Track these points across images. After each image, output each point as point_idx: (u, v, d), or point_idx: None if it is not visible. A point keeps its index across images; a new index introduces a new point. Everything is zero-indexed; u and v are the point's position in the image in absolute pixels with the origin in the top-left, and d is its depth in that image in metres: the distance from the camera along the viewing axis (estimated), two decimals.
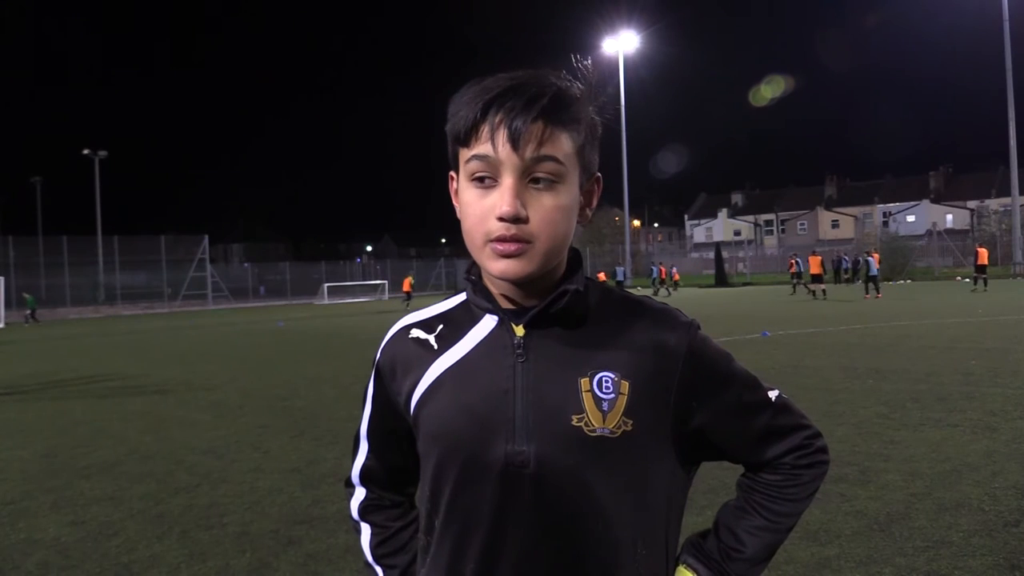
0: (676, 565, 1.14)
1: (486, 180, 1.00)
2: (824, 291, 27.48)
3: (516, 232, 0.99)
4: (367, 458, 1.24)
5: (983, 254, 28.89)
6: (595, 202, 1.12)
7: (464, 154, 1.03)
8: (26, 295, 34.92)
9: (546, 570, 1.03)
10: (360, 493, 1.26)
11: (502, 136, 0.98)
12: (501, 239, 1.00)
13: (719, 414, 1.10)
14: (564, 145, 1.01)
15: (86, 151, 49.06)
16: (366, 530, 1.25)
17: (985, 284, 28.12)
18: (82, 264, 44.29)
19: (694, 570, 1.13)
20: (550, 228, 1.01)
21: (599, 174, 1.12)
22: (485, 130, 0.99)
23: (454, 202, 1.09)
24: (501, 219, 0.99)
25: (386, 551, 1.23)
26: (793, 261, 34.56)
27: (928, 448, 5.43)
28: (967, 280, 37.14)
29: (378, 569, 1.24)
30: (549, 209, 1.00)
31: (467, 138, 1.02)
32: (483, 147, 1.00)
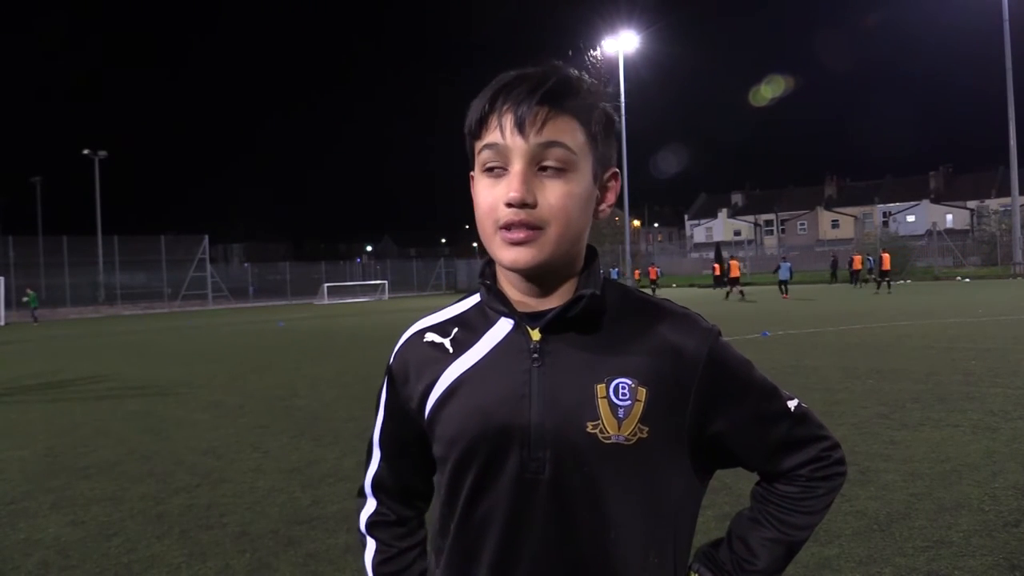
0: (687, 574, 1.13)
1: (496, 169, 1.01)
2: (742, 292, 29.48)
3: (525, 217, 0.99)
4: (379, 467, 1.22)
5: (886, 259, 31.33)
6: (613, 197, 1.10)
7: (477, 146, 1.05)
8: (29, 291, 34.92)
9: (560, 575, 1.03)
10: (370, 505, 1.24)
11: (509, 123, 1.00)
12: (510, 225, 1.00)
13: (737, 423, 1.08)
14: (573, 132, 1.01)
15: (86, 151, 49.05)
16: (371, 545, 1.23)
17: (889, 287, 30.24)
18: (82, 264, 44.27)
19: None
20: (561, 215, 1.00)
21: (616, 169, 1.11)
22: (494, 119, 1.02)
23: (474, 205, 1.09)
24: (509, 205, 0.99)
25: (388, 570, 1.21)
26: (716, 265, 40.28)
27: (928, 448, 5.43)
28: (967, 280, 37.18)
29: None
30: (559, 195, 1.00)
31: (478, 130, 1.03)
32: (492, 135, 1.01)
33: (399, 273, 60.16)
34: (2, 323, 32.59)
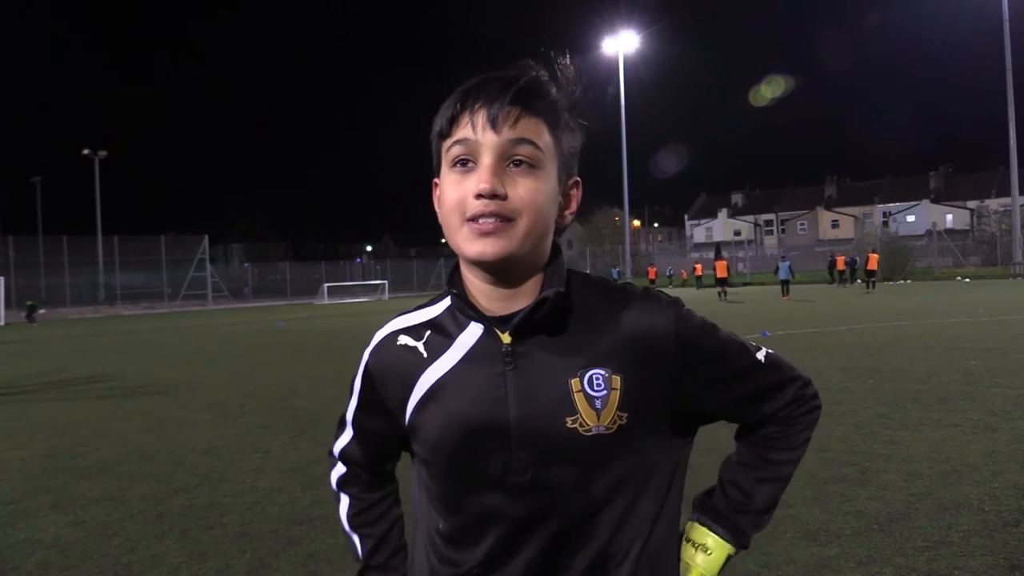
0: (689, 525, 1.18)
1: (467, 164, 1.02)
2: (726, 292, 29.65)
3: (496, 208, 1.00)
4: (349, 442, 1.27)
5: (873, 259, 31.98)
6: (575, 206, 1.13)
7: (446, 145, 1.05)
8: (30, 302, 34.98)
9: (549, 572, 1.04)
10: (340, 468, 1.31)
11: (480, 119, 1.01)
12: (479, 216, 1.00)
13: (714, 385, 1.11)
14: (541, 132, 1.04)
15: (86, 151, 49.10)
16: (344, 500, 1.30)
17: (873, 286, 30.98)
18: (82, 264, 44.34)
19: (708, 527, 1.17)
20: (531, 207, 1.01)
21: (579, 178, 1.13)
22: (465, 117, 1.03)
23: (437, 209, 1.10)
24: (479, 196, 1.00)
25: (362, 521, 1.28)
26: (699, 266, 43.87)
27: (928, 448, 5.43)
28: (967, 280, 37.20)
29: (355, 538, 1.29)
30: (529, 189, 1.02)
31: (449, 128, 1.05)
32: (463, 132, 1.03)
33: (399, 273, 60.22)
34: (2, 323, 32.59)
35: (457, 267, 1.11)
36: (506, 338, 1.05)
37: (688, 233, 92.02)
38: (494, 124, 1.01)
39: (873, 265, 31.60)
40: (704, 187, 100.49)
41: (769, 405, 1.15)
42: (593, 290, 1.11)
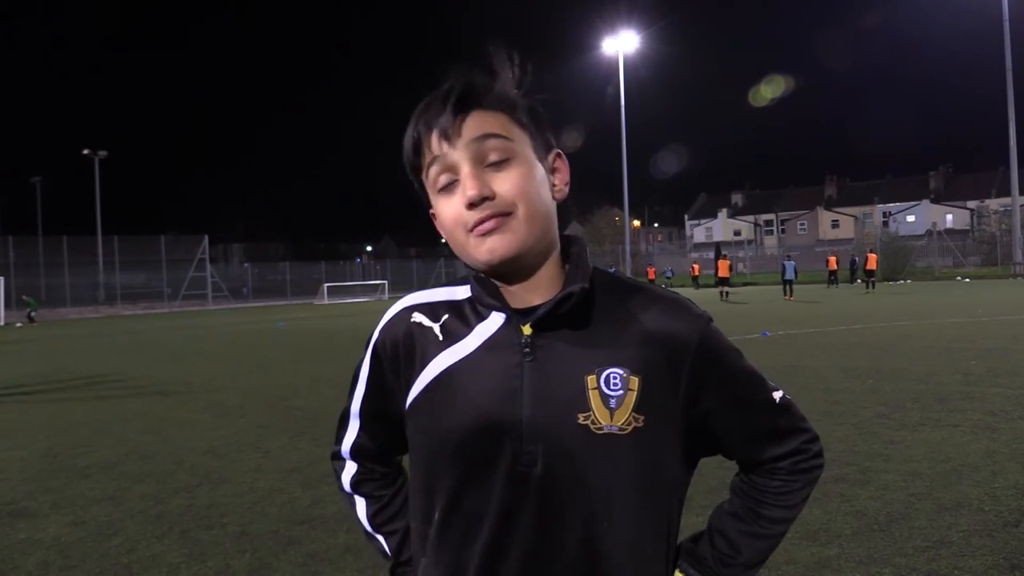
0: (673, 569, 1.14)
1: (449, 185, 1.04)
2: (727, 293, 29.44)
3: (490, 211, 1.01)
4: (358, 436, 1.25)
5: (872, 259, 32.23)
6: (566, 176, 1.13)
7: (423, 175, 1.08)
8: (26, 297, 34.94)
9: (552, 569, 1.03)
10: (351, 467, 1.27)
11: (436, 136, 1.04)
12: (478, 222, 1.02)
13: (723, 408, 1.10)
14: (497, 123, 1.04)
15: (86, 151, 49.11)
16: (361, 502, 1.27)
17: (873, 286, 31.08)
18: (82, 264, 44.31)
19: None
20: (522, 195, 1.02)
21: (559, 151, 1.13)
22: (424, 140, 1.06)
23: (444, 236, 1.11)
24: (471, 205, 1.01)
25: (383, 519, 1.25)
26: (696, 266, 44.33)
27: (928, 448, 5.43)
28: (967, 280, 37.20)
29: (380, 538, 1.26)
30: (514, 179, 1.03)
31: (417, 157, 1.07)
32: (430, 153, 1.05)
33: (399, 273, 60.17)
34: (2, 323, 32.59)
35: None
36: (527, 329, 1.05)
37: (688, 233, 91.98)
38: (448, 137, 1.03)
39: (872, 265, 31.75)
40: (704, 187, 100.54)
41: (772, 449, 1.13)
42: (618, 289, 1.11)
